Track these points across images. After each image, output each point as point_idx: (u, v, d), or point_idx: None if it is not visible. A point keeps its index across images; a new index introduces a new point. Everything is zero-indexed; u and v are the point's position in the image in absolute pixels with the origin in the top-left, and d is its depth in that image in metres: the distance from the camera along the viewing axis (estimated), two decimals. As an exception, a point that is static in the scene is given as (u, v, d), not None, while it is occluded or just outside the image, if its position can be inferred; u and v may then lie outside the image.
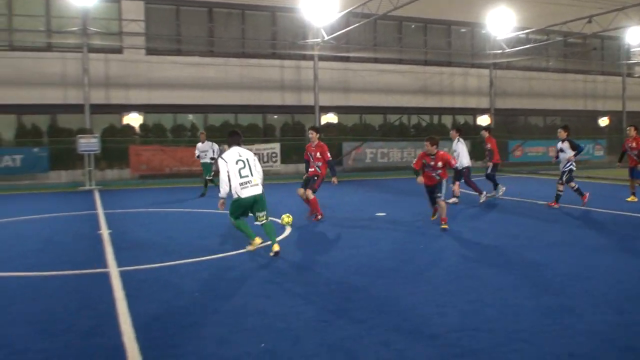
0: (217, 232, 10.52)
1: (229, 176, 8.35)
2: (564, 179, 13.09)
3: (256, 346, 4.74)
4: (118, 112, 25.07)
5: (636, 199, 14.08)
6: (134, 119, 25.13)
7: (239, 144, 8.62)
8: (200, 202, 15.36)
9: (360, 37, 28.38)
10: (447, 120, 31.25)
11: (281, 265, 7.69)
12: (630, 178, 14.42)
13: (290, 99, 27.65)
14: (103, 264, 7.86)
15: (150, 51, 25.33)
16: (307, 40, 26.19)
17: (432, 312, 5.59)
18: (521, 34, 28.51)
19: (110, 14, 24.75)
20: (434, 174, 10.57)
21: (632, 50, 34.71)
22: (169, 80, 25.09)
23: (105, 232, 10.48)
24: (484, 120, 31.78)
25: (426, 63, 30.64)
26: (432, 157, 10.47)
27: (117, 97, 24.59)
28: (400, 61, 29.62)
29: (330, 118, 28.54)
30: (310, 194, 11.50)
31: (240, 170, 8.37)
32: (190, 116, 26.60)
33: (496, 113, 31.67)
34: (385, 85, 28.90)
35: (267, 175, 23.99)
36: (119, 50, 24.93)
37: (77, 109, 23.14)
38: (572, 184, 13.18)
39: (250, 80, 26.56)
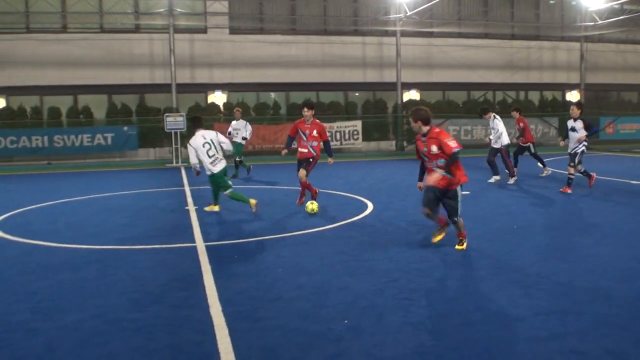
0: (300, 208, 10.60)
1: (199, 159, 9.93)
2: (576, 161, 11.86)
3: (340, 322, 4.74)
4: (203, 91, 25.69)
5: None
6: (218, 98, 25.67)
7: (201, 128, 10.09)
8: (283, 179, 15.52)
9: (444, 11, 27.68)
10: (534, 96, 30.09)
11: (363, 243, 7.66)
12: None
13: (372, 76, 27.41)
14: (190, 238, 8.10)
15: (233, 30, 25.72)
16: (389, 16, 25.80)
17: (517, 294, 5.40)
18: (615, 4, 26.89)
19: (195, -5, 25.27)
20: (436, 169, 7.03)
21: None
22: (251, 59, 25.41)
23: (192, 208, 10.79)
24: (573, 96, 30.37)
25: (513, 37, 29.49)
26: (424, 140, 7.07)
27: (202, 76, 25.18)
28: (485, 35, 28.65)
29: (412, 95, 28.10)
30: (303, 175, 10.53)
31: (207, 151, 9.92)
32: (273, 94, 26.88)
33: (587, 88, 30.16)
34: (469, 60, 28.10)
35: (348, 153, 24.19)
36: (203, 30, 25.47)
37: (164, 88, 23.88)
38: (580, 167, 12.12)
39: (331, 58, 26.50)
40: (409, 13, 24.98)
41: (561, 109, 27.07)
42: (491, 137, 13.94)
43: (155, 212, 10.69)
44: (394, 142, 26.59)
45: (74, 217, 10.30)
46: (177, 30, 24.00)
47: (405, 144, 26.06)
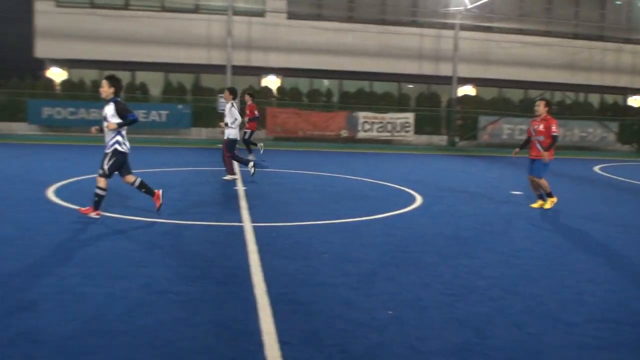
0: (349, 195, 10.56)
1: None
2: None
3: (383, 312, 4.69)
4: (257, 74, 25.85)
5: None
6: (271, 82, 25.78)
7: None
8: (331, 166, 15.49)
9: (505, 6, 27.08)
10: (594, 99, 29.23)
11: (410, 236, 7.57)
12: None
13: (427, 69, 27.08)
14: (238, 218, 8.15)
15: (291, 15, 25.74)
16: (449, 9, 25.38)
17: (569, 299, 5.24)
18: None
19: (256, -22, 25.40)
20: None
21: None
22: (307, 45, 25.40)
23: (241, 188, 10.87)
24: (636, 100, 29.37)
25: (575, 37, 28.66)
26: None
27: (257, 59, 25.32)
28: (547, 33, 27.91)
29: (467, 90, 27.65)
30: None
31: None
32: (326, 81, 26.83)
33: (652, 93, 29.15)
34: (528, 58, 27.44)
35: (400, 145, 23.99)
36: (261, 14, 25.57)
37: (219, 69, 24.11)
38: None
39: (387, 48, 26.27)
40: (469, 6, 24.51)
41: (622, 114, 26.20)
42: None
43: (205, 190, 10.84)
44: (446, 137, 26.22)
45: (127, 189, 10.48)
46: (236, 12, 24.16)
47: (457, 139, 25.67)
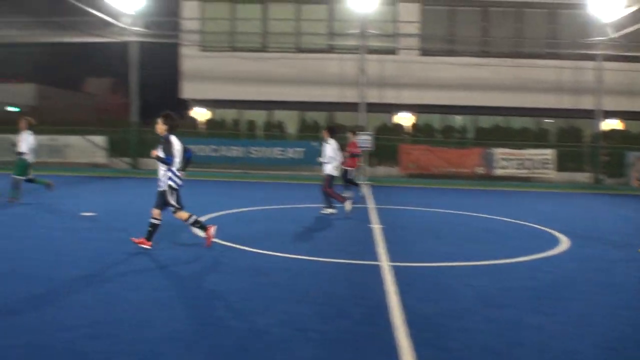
0: (488, 235, 10.19)
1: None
2: None
3: (535, 364, 4.39)
4: (389, 111, 25.96)
5: None
6: (404, 118, 25.75)
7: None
8: (467, 204, 15.06)
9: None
10: None
11: (558, 281, 7.09)
12: None
13: (567, 102, 25.80)
14: (375, 256, 8.08)
15: (424, 52, 25.71)
16: (590, 39, 24.13)
17: None
18: None
19: (388, 17, 25.68)
20: None
21: None
22: (440, 81, 25.19)
23: (376, 226, 10.82)
24: None
25: None
26: None
27: (390, 96, 25.46)
28: None
29: (613, 124, 25.96)
30: None
31: None
32: (459, 117, 26.37)
33: None
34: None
35: (539, 182, 22.89)
36: (393, 52, 25.77)
37: (352, 107, 24.47)
38: None
39: (523, 81, 25.41)
40: (612, 36, 23.16)
41: None
42: None
43: (340, 227, 10.91)
44: (590, 175, 24.61)
45: (266, 224, 10.83)
46: (368, 51, 24.52)
47: (602, 177, 24.03)
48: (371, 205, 14.20)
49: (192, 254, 7.98)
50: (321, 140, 14.19)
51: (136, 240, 7.96)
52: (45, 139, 24.23)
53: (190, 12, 26.55)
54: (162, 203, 7.98)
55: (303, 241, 9.15)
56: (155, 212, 7.95)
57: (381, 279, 6.76)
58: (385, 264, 7.59)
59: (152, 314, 5.28)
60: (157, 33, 25.10)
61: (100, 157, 24.87)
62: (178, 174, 8.02)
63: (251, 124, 25.50)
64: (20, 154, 12.53)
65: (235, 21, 26.74)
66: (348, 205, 12.14)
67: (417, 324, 5.19)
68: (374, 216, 12.19)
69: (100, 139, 24.88)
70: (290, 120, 26.13)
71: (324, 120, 25.91)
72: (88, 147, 24.69)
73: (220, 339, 4.71)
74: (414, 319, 5.33)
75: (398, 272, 7.09)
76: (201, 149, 23.79)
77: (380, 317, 5.37)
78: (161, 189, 7.98)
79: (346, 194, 14.07)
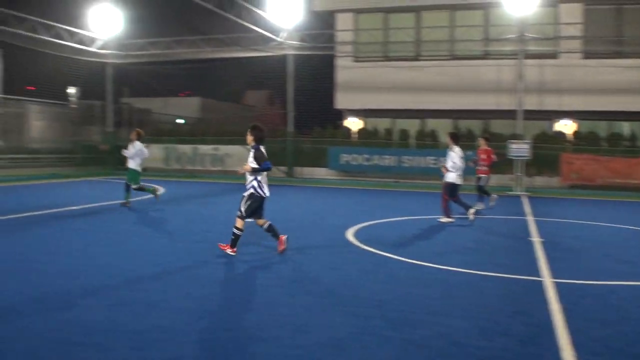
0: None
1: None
2: None
3: None
4: (549, 119, 24.73)
5: None
6: (564, 126, 24.39)
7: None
8: (617, 217, 13.93)
9: None
10: None
11: None
12: None
13: None
14: (536, 272, 7.73)
15: (587, 55, 24.20)
16: None
17: None
18: None
19: (547, 19, 24.46)
20: None
21: None
22: (605, 85, 23.49)
23: (537, 239, 10.35)
24: None
25: None
26: None
27: (550, 103, 24.22)
28: None
29: None
30: None
31: None
32: (626, 124, 24.47)
33: None
34: None
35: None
36: (553, 55, 24.53)
37: (509, 114, 23.56)
38: None
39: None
40: None
41: None
42: None
43: (499, 240, 10.60)
44: None
45: (420, 234, 10.79)
46: (527, 55, 23.52)
47: None
48: (530, 217, 13.60)
49: (349, 261, 8.15)
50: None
51: (222, 245, 8.38)
52: (208, 148, 26.12)
53: (344, 24, 27.12)
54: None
55: (459, 253, 8.98)
56: (260, 222, 8.44)
57: (544, 296, 6.46)
58: (547, 280, 7.24)
59: (310, 320, 5.47)
60: (313, 45, 25.98)
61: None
62: (264, 184, 8.39)
63: (404, 133, 25.49)
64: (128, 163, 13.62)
65: (388, 31, 26.93)
66: (472, 216, 12.16)
67: (585, 346, 4.90)
68: (533, 229, 11.66)
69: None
70: (443, 129, 25.75)
71: (478, 128, 25.23)
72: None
73: (375, 348, 4.76)
74: (582, 341, 5.03)
75: (562, 290, 6.74)
76: (354, 158, 24.26)
77: (544, 337, 5.14)
78: (246, 194, 8.37)
79: (478, 205, 13.72)
